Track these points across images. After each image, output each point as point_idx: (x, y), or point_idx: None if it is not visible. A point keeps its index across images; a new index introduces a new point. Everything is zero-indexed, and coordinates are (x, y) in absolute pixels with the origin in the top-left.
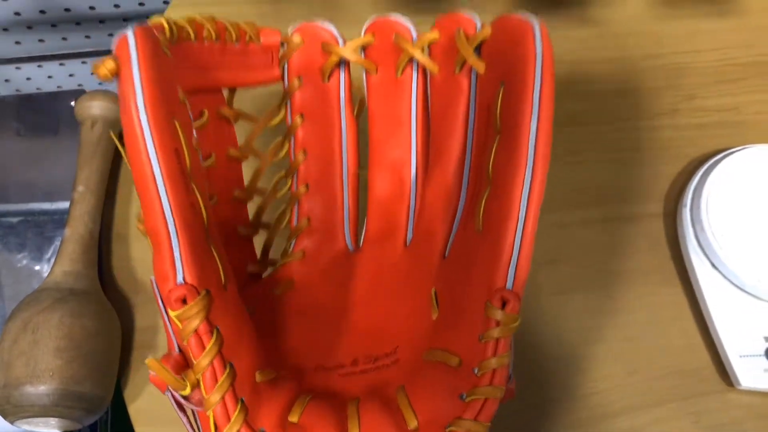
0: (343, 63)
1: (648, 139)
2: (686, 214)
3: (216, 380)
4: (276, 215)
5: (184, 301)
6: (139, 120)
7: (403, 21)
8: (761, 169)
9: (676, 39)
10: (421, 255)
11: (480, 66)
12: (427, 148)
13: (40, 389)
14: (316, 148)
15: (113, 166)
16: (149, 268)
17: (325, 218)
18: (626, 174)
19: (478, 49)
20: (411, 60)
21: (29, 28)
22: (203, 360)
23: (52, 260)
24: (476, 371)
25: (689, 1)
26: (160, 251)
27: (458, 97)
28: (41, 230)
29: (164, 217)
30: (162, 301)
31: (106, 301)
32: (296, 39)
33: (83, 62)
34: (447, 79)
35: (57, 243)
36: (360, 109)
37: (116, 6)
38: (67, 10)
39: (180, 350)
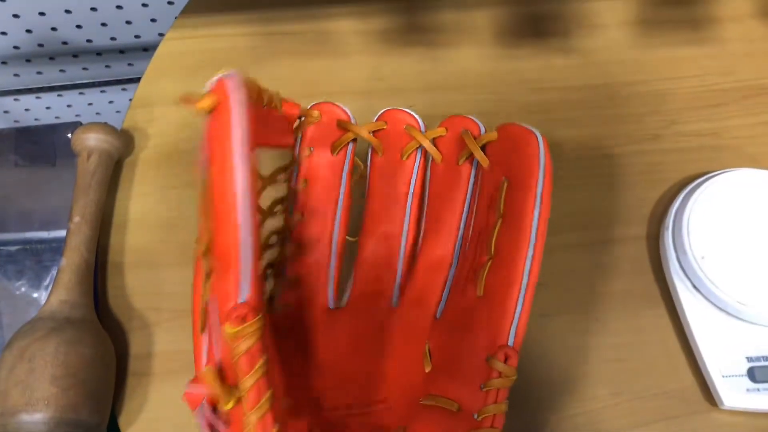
0: (351, 141)
1: (631, 164)
2: (668, 236)
3: (258, 400)
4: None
5: (242, 320)
6: (235, 152)
7: (413, 114)
8: (741, 192)
9: (657, 66)
10: (411, 315)
11: (485, 161)
12: (418, 225)
13: (36, 417)
14: (313, 211)
15: (108, 197)
16: (144, 296)
17: (311, 277)
18: (610, 198)
19: (483, 148)
20: (417, 148)
21: (28, 60)
22: (250, 379)
23: (50, 288)
24: (476, 416)
25: (669, 30)
26: (227, 271)
27: (459, 183)
28: (39, 258)
29: (239, 241)
30: (208, 319)
31: (101, 328)
32: (315, 113)
33: (81, 93)
34: (449, 167)
35: (54, 271)
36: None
37: (113, 39)
38: (64, 43)
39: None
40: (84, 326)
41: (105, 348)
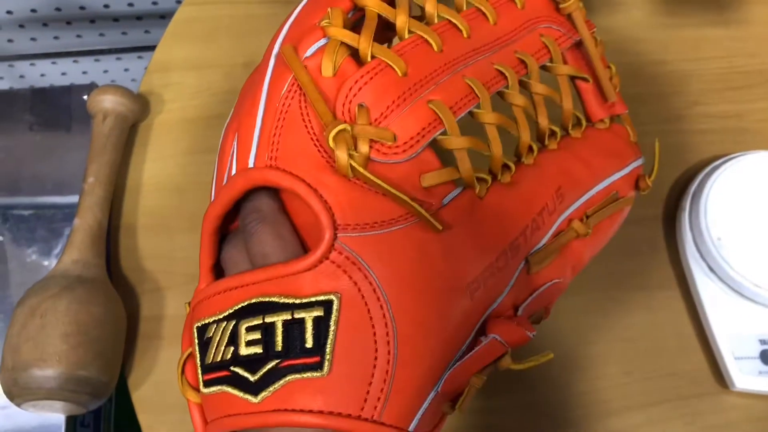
0: None
1: (651, 143)
2: (685, 217)
3: None
4: None
5: None
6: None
7: None
8: (760, 174)
9: (681, 46)
10: None
11: None
12: None
13: (47, 372)
14: None
15: (123, 160)
16: (156, 259)
17: None
18: None
19: None
20: None
21: (45, 25)
22: None
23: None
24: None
25: (694, 10)
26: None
27: None
28: (51, 224)
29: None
30: None
31: (113, 289)
32: None
33: (96, 60)
34: None
35: (65, 238)
36: None
37: (130, 5)
38: (82, 8)
39: None
40: (96, 286)
41: (116, 308)
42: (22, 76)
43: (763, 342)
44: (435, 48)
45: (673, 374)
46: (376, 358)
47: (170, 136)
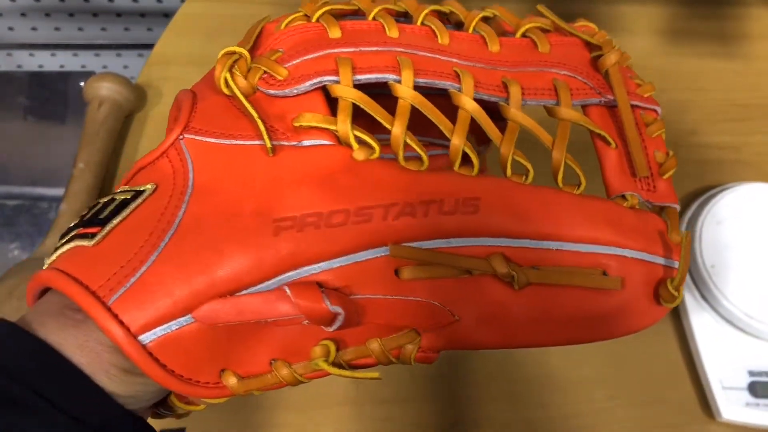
0: None
1: None
2: None
3: None
4: None
5: None
6: None
7: None
8: (756, 205)
9: (682, 76)
10: None
11: None
12: None
13: None
14: None
15: (115, 148)
16: None
17: None
18: None
19: None
20: None
21: (47, 15)
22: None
23: None
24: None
25: (697, 41)
26: None
27: None
28: (35, 218)
29: None
30: None
31: None
32: None
33: (96, 54)
34: None
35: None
36: None
37: (135, 1)
38: (86, 0)
39: None
40: None
41: None
42: (19, 66)
43: (751, 373)
44: (387, 32)
45: (660, 401)
46: (142, 247)
47: (164, 128)
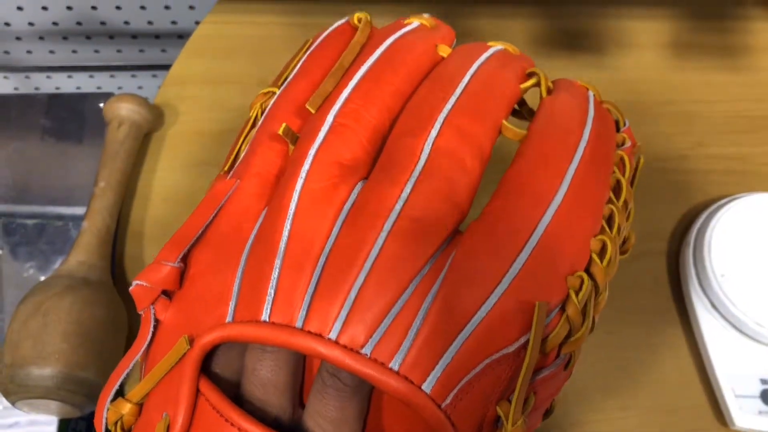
0: None
1: (656, 181)
2: (689, 252)
3: None
4: None
5: None
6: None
7: None
8: (764, 215)
9: (689, 88)
10: None
11: None
12: None
13: (45, 371)
14: None
15: (134, 169)
16: None
17: None
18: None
19: None
20: None
21: (65, 38)
22: None
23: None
24: None
25: (703, 54)
26: None
27: None
28: (53, 238)
29: None
30: None
31: (116, 293)
32: None
33: (111, 76)
34: None
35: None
36: None
37: (150, 23)
38: (102, 23)
39: None
40: (100, 288)
41: (118, 312)
42: (37, 88)
43: (764, 381)
44: None
45: (672, 410)
46: None
47: (182, 147)
